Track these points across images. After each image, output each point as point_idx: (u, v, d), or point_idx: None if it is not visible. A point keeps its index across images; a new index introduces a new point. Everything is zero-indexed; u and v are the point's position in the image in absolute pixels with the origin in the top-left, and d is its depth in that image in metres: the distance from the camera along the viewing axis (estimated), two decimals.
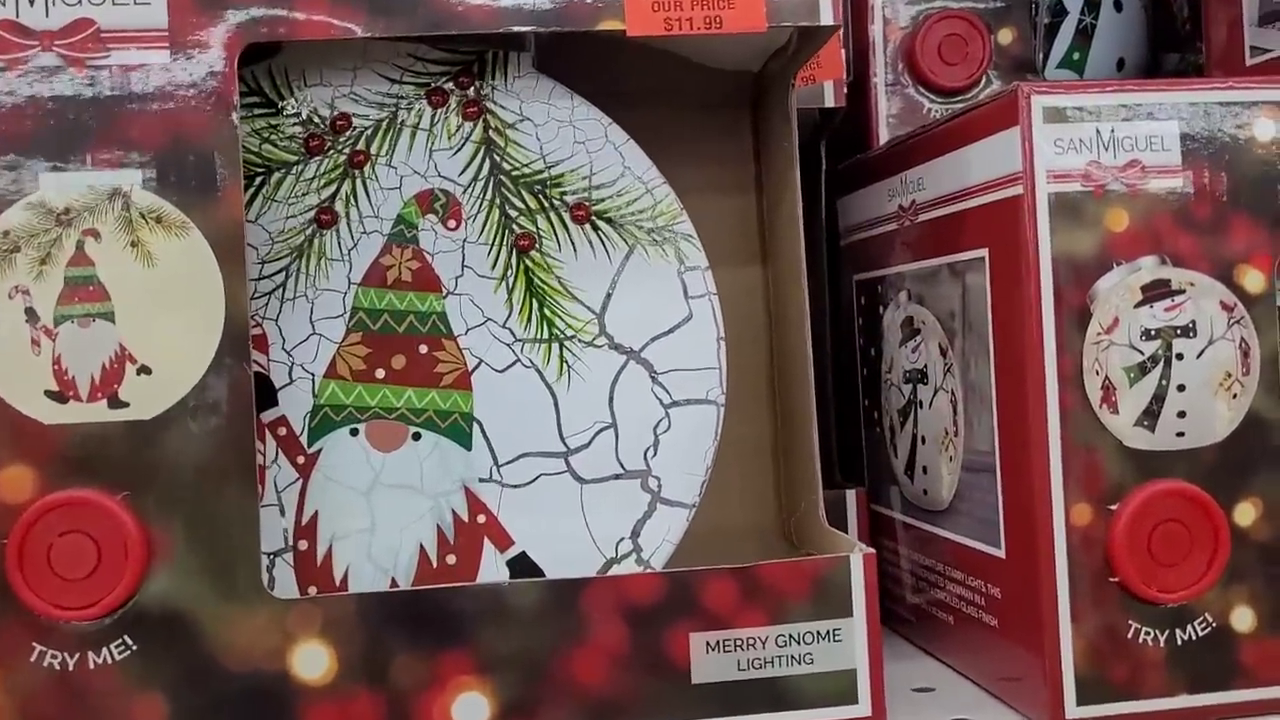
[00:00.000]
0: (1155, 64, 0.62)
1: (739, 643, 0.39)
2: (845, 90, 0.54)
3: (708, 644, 0.38)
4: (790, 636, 0.39)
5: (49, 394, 0.36)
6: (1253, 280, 0.40)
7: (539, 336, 0.42)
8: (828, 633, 0.39)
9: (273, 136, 0.41)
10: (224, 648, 0.36)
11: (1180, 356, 0.39)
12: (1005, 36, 0.59)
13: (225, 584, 0.36)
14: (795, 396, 0.47)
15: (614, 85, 0.45)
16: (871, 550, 0.40)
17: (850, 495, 0.53)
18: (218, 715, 0.36)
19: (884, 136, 0.59)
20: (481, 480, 0.41)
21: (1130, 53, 0.61)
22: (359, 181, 0.42)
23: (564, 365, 0.42)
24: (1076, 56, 0.61)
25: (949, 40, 0.58)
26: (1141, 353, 0.39)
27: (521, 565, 0.41)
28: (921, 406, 0.48)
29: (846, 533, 0.51)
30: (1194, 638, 0.39)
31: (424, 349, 0.41)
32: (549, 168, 0.42)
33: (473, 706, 0.37)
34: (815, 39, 0.43)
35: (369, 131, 0.42)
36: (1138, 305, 0.39)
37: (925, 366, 0.47)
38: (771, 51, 0.47)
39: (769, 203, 0.50)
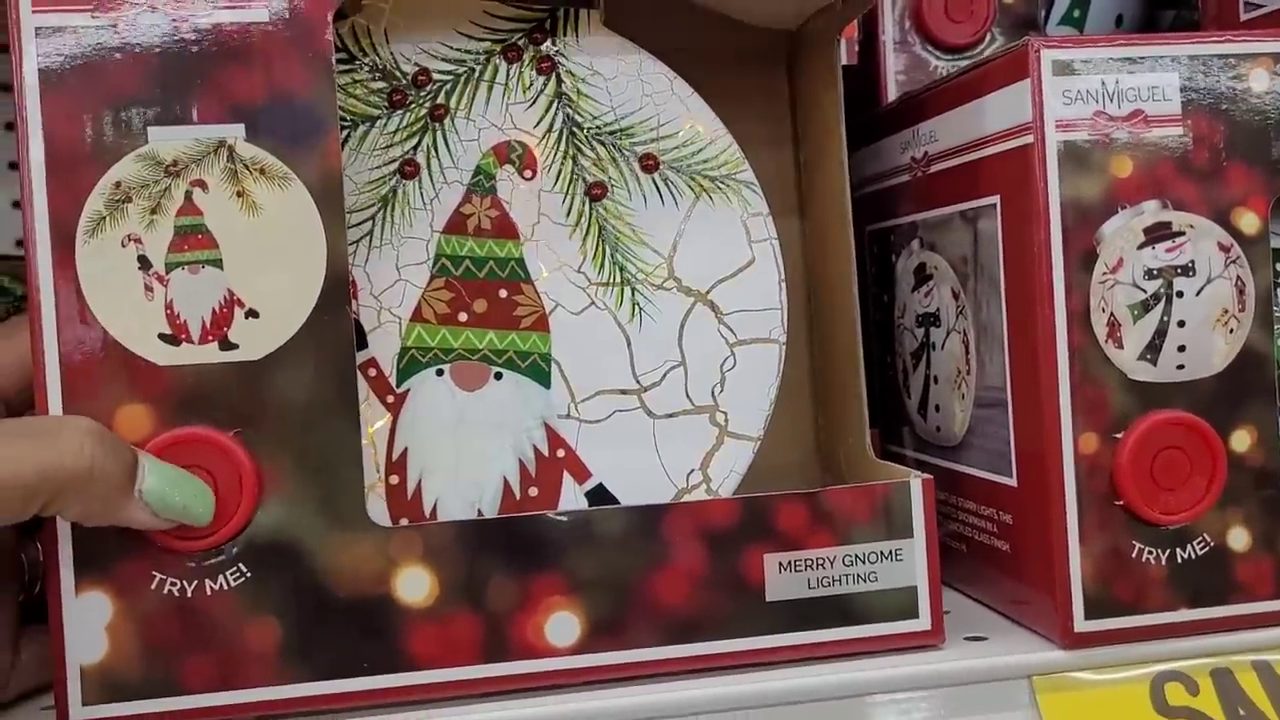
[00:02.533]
0: (1152, 20, 0.64)
1: (809, 563, 0.41)
2: (857, 49, 0.56)
3: (780, 564, 0.40)
4: (856, 556, 0.41)
5: (162, 337, 0.37)
6: (1248, 222, 0.42)
7: (612, 280, 0.43)
8: (891, 552, 0.41)
9: (356, 91, 0.42)
10: (332, 573, 0.38)
11: (1180, 294, 0.41)
12: None
13: (331, 514, 0.38)
14: (840, 339, 0.49)
15: (665, 43, 0.46)
16: (930, 476, 0.42)
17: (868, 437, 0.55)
18: (327, 637, 0.38)
19: (892, 92, 0.60)
20: (560, 416, 0.43)
21: (1128, 9, 0.63)
22: (439, 134, 0.43)
23: (635, 307, 0.43)
24: (1077, 14, 0.62)
25: (957, 2, 0.59)
26: (1145, 291, 0.41)
27: (599, 496, 0.43)
28: (934, 348, 0.50)
29: None
30: (1193, 556, 0.41)
31: (504, 293, 0.43)
32: (619, 120, 0.43)
33: (564, 625, 0.39)
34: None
35: (448, 86, 0.43)
36: (1141, 246, 0.41)
37: (938, 310, 0.49)
38: (813, 11, 0.49)
39: (809, 156, 0.51)
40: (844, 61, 0.56)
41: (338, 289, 0.38)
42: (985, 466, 0.46)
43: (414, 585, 0.38)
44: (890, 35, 0.60)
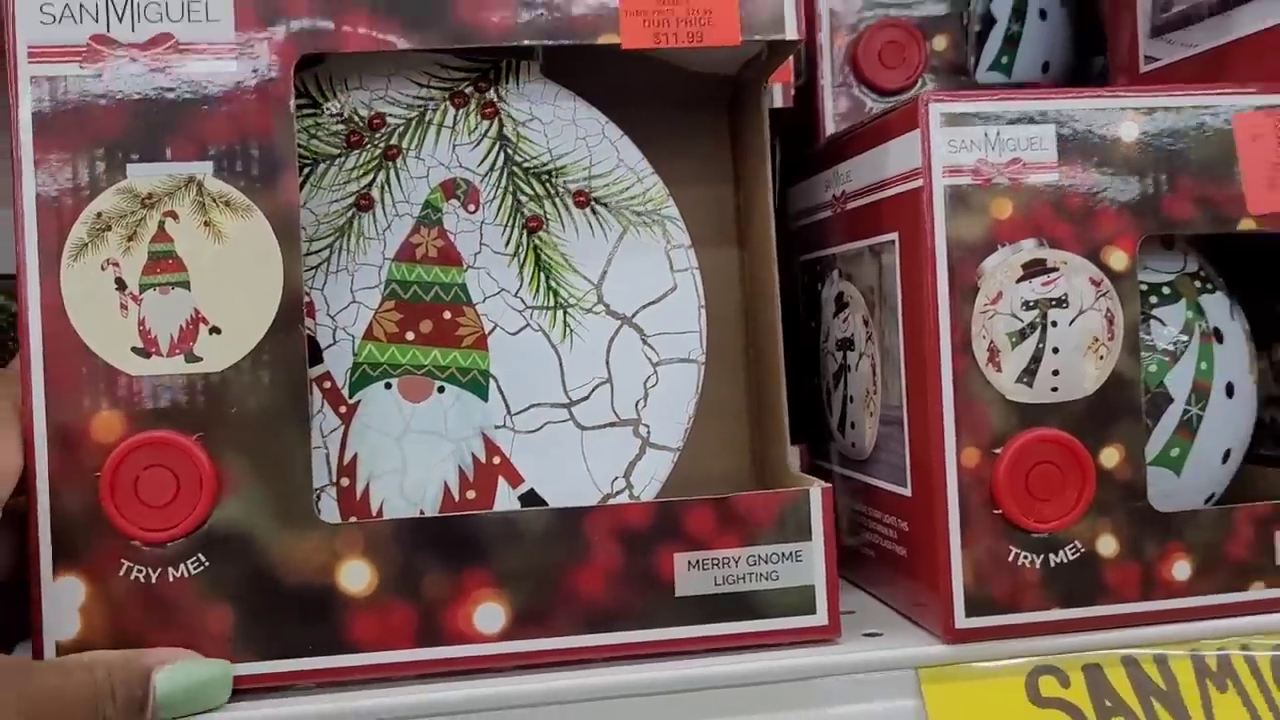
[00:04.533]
0: (1081, 67, 0.68)
1: (715, 562, 0.45)
2: (794, 92, 0.60)
3: (689, 563, 0.44)
4: (759, 557, 0.45)
5: (135, 350, 0.41)
6: (1117, 260, 0.45)
7: (546, 304, 0.47)
8: (791, 554, 0.45)
9: (319, 133, 0.47)
10: (281, 564, 0.42)
11: (1055, 324, 0.45)
12: (940, 43, 0.64)
13: (283, 511, 0.42)
14: (768, 363, 0.53)
15: (610, 87, 0.50)
16: (829, 485, 0.46)
17: (795, 453, 0.59)
18: (276, 621, 0.42)
19: (830, 132, 0.64)
20: (496, 427, 0.47)
21: (1055, 57, 0.67)
22: (392, 171, 0.47)
23: (567, 329, 0.48)
24: (1005, 60, 0.66)
25: (889, 46, 0.63)
26: (1022, 320, 0.45)
27: (531, 500, 0.47)
28: (850, 370, 0.54)
29: None
30: (1065, 561, 0.45)
31: (447, 315, 0.47)
32: (554, 159, 0.48)
33: (491, 614, 0.43)
34: (783, 50, 0.48)
35: (401, 128, 0.47)
36: (1019, 281, 0.45)
37: (852, 335, 0.53)
38: (746, 60, 0.53)
39: (745, 192, 0.55)
40: (780, 104, 0.61)
41: (292, 309, 0.42)
42: (888, 479, 0.50)
43: (355, 576, 0.42)
44: (829, 79, 0.64)
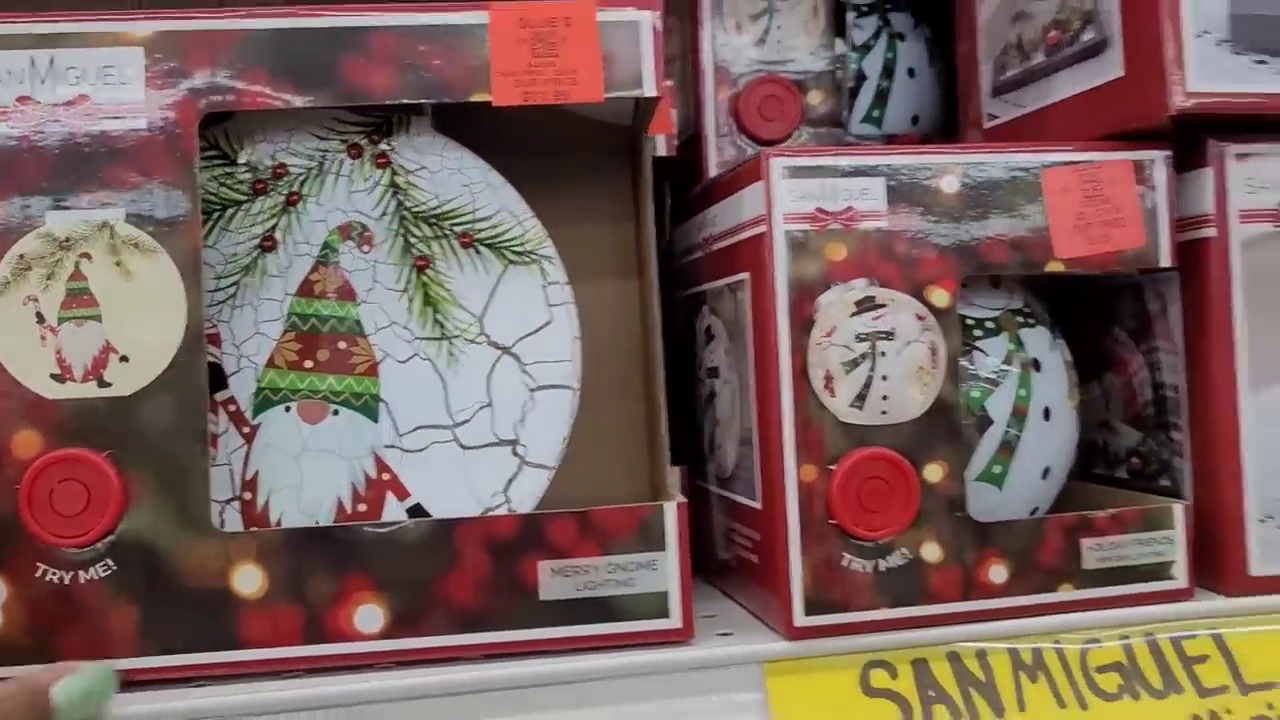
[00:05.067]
0: (949, 120, 0.74)
1: (577, 569, 0.49)
2: (678, 142, 0.65)
3: (552, 570, 0.49)
4: (617, 565, 0.50)
5: (52, 376, 0.46)
6: (939, 297, 0.51)
7: (433, 335, 0.52)
8: (647, 562, 0.50)
9: (227, 181, 0.52)
10: (181, 569, 0.47)
11: (884, 354, 0.50)
12: (814, 98, 0.70)
13: (183, 520, 0.47)
14: (651, 390, 0.58)
15: (520, 136, 0.55)
16: (684, 500, 0.51)
17: (675, 473, 0.63)
18: (176, 620, 0.47)
19: None
20: (386, 446, 0.52)
21: (925, 111, 0.72)
22: (294, 216, 0.52)
23: (452, 357, 0.52)
24: (876, 114, 0.72)
25: (767, 100, 0.69)
26: (854, 351, 0.50)
27: (416, 513, 0.51)
28: (716, 397, 0.59)
29: None
30: (894, 566, 0.50)
31: (343, 345, 0.52)
32: (441, 205, 0.53)
33: (371, 615, 0.48)
34: (648, 106, 0.54)
35: (302, 177, 0.52)
36: (852, 316, 0.50)
37: (718, 364, 0.58)
38: (627, 112, 0.58)
39: (639, 231, 0.61)
40: (664, 153, 0.66)
41: (194, 340, 0.47)
42: (745, 494, 0.55)
43: (248, 580, 0.47)
44: (713, 130, 0.70)
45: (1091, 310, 0.62)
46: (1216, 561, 0.54)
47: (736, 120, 0.70)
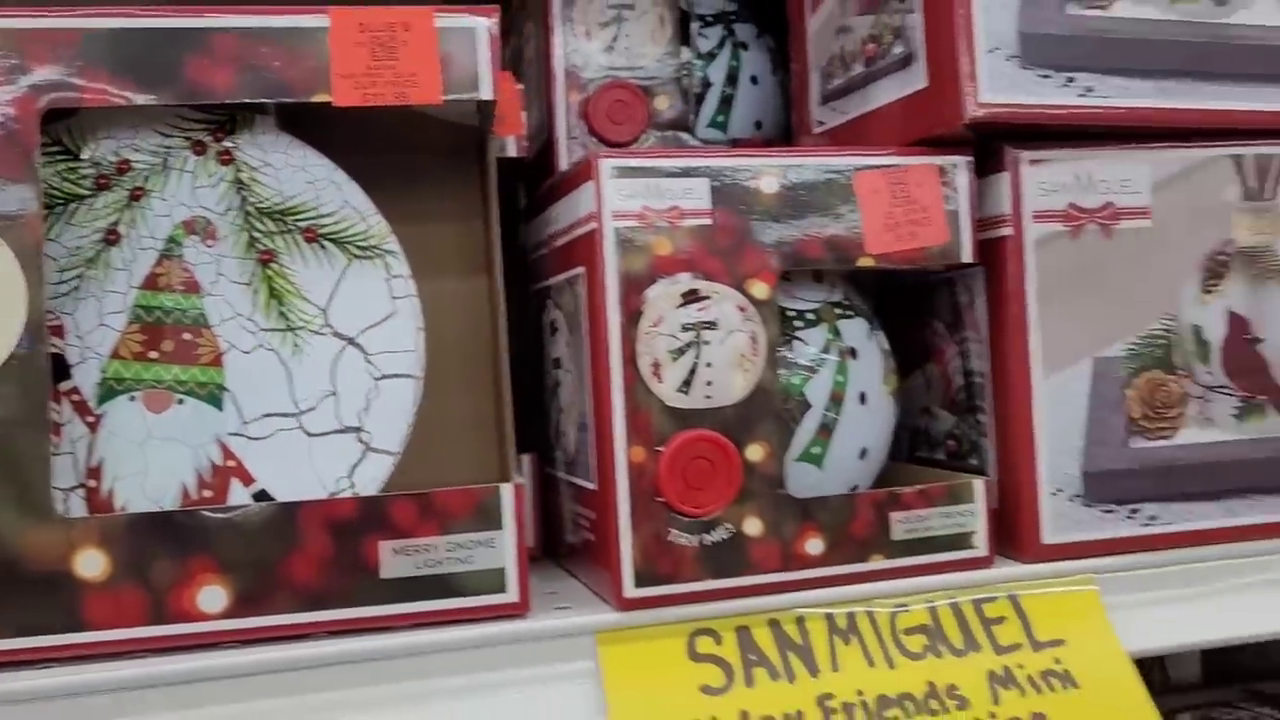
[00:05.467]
0: (790, 125, 0.78)
1: (417, 548, 0.52)
2: (528, 144, 0.68)
3: (393, 549, 0.51)
4: (456, 544, 0.52)
5: None
6: (760, 290, 0.55)
7: (277, 327, 0.54)
8: (485, 540, 0.52)
9: (70, 176, 0.52)
10: (24, 553, 0.47)
11: (708, 343, 0.54)
12: (661, 103, 0.73)
13: (25, 506, 0.47)
14: (499, 381, 0.60)
15: (376, 138, 0.57)
16: (521, 482, 0.53)
17: (526, 460, 0.66)
18: (20, 604, 0.47)
19: None
20: (231, 434, 0.53)
21: (767, 116, 0.76)
22: (138, 211, 0.53)
23: (297, 348, 0.54)
24: (721, 119, 0.75)
25: (615, 104, 0.72)
26: (680, 340, 0.53)
27: (261, 498, 0.53)
28: (560, 386, 0.62)
29: None
30: (718, 540, 0.54)
31: (187, 336, 0.53)
32: (285, 200, 0.54)
33: (214, 596, 0.49)
34: (487, 108, 0.56)
35: (147, 173, 0.53)
36: (677, 307, 0.53)
37: (560, 356, 0.61)
38: (475, 113, 0.61)
39: (488, 229, 0.63)
40: (514, 154, 0.69)
41: (36, 331, 0.48)
42: (585, 477, 0.58)
43: (91, 564, 0.48)
44: (564, 132, 0.72)
45: (914, 304, 0.66)
46: (1014, 531, 0.59)
47: (586, 123, 0.73)
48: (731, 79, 0.76)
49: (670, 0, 0.74)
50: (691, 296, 0.54)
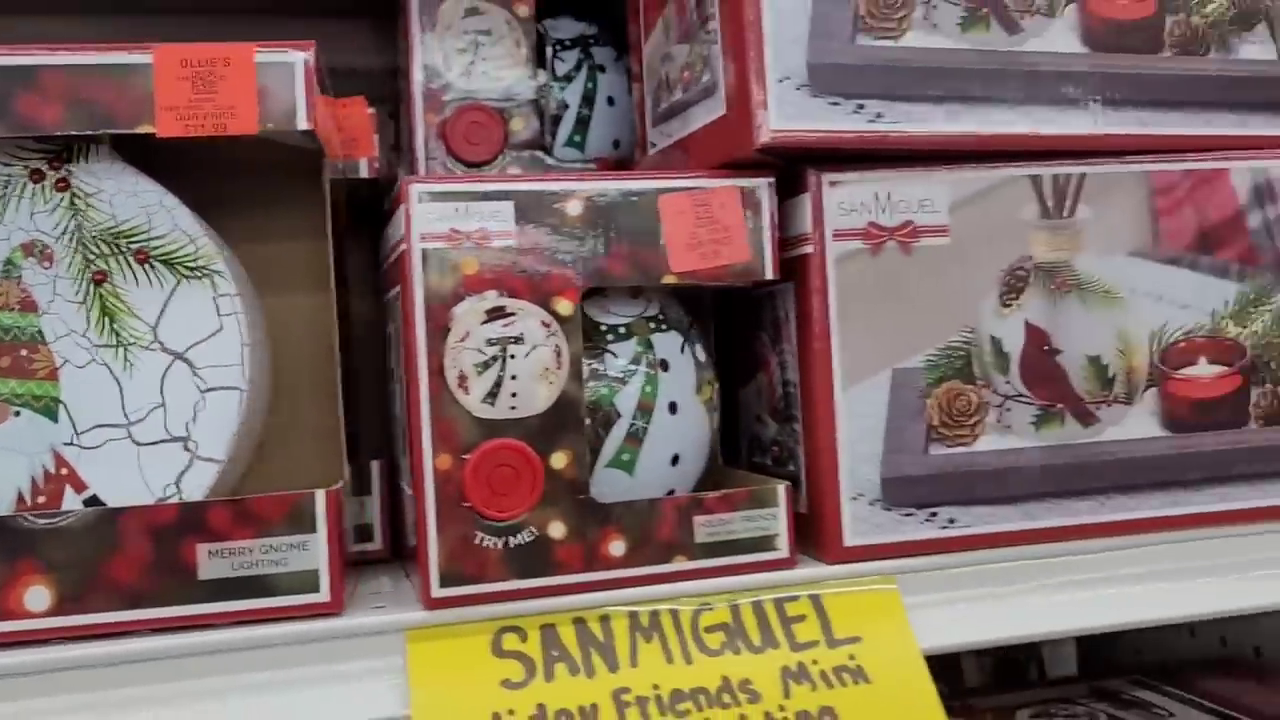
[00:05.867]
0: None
1: (233, 550, 0.55)
2: (378, 165, 0.71)
3: (210, 551, 0.55)
4: (271, 546, 0.56)
5: None
6: (564, 307, 0.58)
7: (110, 343, 0.57)
8: (298, 543, 0.56)
9: None
10: None
11: (513, 357, 0.57)
12: (518, 124, 0.76)
13: None
14: (333, 392, 0.64)
15: (227, 164, 0.61)
16: (335, 488, 0.57)
17: (374, 466, 0.70)
18: None
19: None
20: (65, 444, 0.56)
21: (625, 136, 0.79)
22: None
23: (128, 363, 0.57)
24: (578, 139, 0.79)
25: (472, 126, 0.75)
26: (485, 354, 0.57)
27: (93, 504, 0.57)
28: (394, 396, 0.65)
29: (371, 495, 0.69)
30: (523, 543, 0.57)
31: (24, 352, 0.56)
32: (118, 225, 0.58)
33: (39, 595, 0.53)
34: (310, 137, 0.59)
35: None
36: (483, 323, 0.57)
37: (394, 366, 0.64)
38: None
39: (327, 247, 0.66)
40: (367, 175, 0.72)
41: None
42: (408, 484, 0.61)
43: None
44: (423, 152, 0.76)
45: (747, 316, 0.70)
46: (819, 534, 0.62)
47: (445, 144, 0.76)
48: (588, 100, 0.79)
49: (527, 26, 0.77)
50: (497, 313, 0.57)
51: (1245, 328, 0.66)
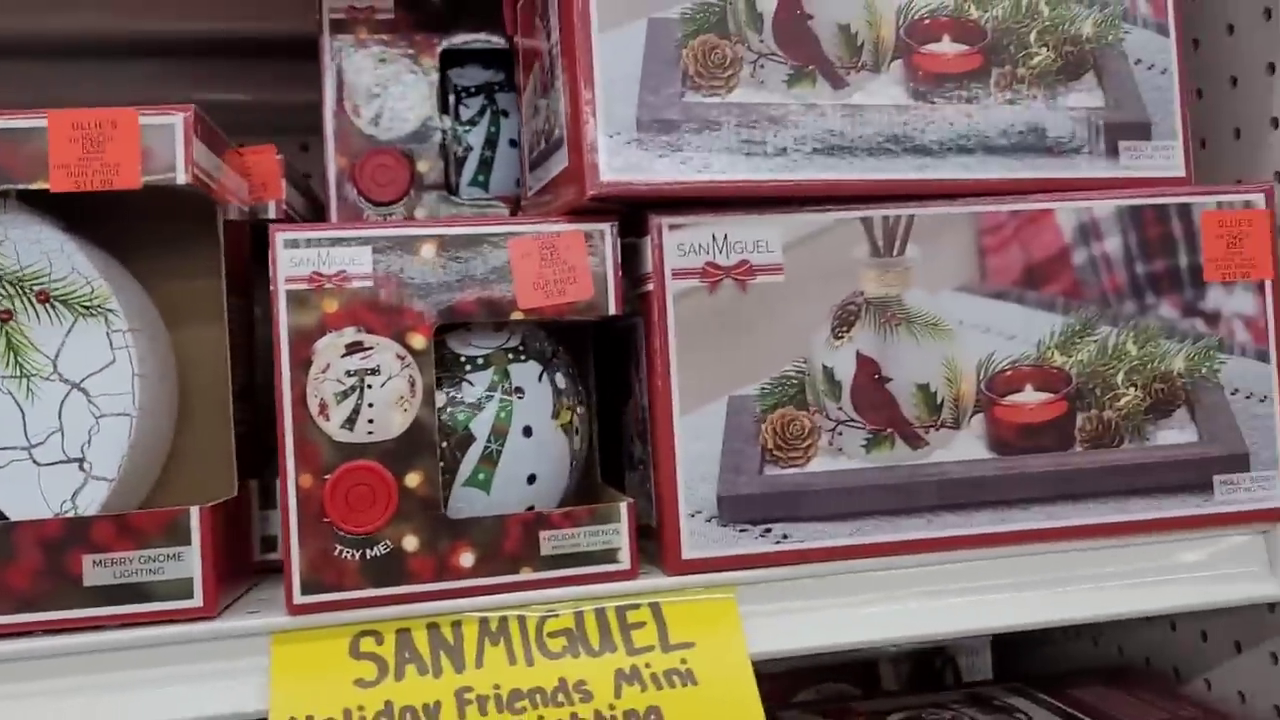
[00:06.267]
0: None
1: (114, 560, 0.61)
2: (285, 207, 0.78)
3: (94, 561, 0.61)
4: (149, 557, 0.62)
5: None
6: (417, 341, 0.64)
7: (14, 374, 0.64)
8: (174, 554, 0.62)
9: None
10: None
11: (370, 387, 0.63)
12: (424, 166, 0.83)
13: None
14: (226, 417, 0.70)
15: (138, 208, 0.68)
16: (210, 505, 0.63)
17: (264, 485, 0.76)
18: None
19: None
20: None
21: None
22: None
23: (30, 392, 0.64)
24: (482, 179, 0.85)
25: (379, 168, 0.82)
26: (345, 385, 0.63)
27: None
28: None
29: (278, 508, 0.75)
30: (378, 554, 0.63)
31: None
32: (22, 269, 0.64)
33: None
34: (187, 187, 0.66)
35: None
36: (343, 356, 0.63)
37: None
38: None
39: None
40: (275, 216, 0.79)
41: None
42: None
43: None
44: (334, 192, 0.82)
45: (621, 348, 0.75)
46: (661, 547, 0.67)
47: (355, 185, 0.82)
48: (490, 143, 0.85)
49: (432, 75, 0.84)
50: (355, 347, 0.63)
51: (1071, 357, 0.70)
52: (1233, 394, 0.72)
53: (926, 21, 0.69)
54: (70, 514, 0.64)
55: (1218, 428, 0.71)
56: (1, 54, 1.02)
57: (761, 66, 0.66)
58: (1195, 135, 0.85)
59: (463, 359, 0.67)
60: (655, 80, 0.64)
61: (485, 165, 0.85)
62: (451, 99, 0.85)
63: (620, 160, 0.63)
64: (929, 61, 0.68)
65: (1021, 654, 1.11)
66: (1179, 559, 0.72)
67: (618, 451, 0.78)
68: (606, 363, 0.77)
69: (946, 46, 0.69)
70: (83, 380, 0.65)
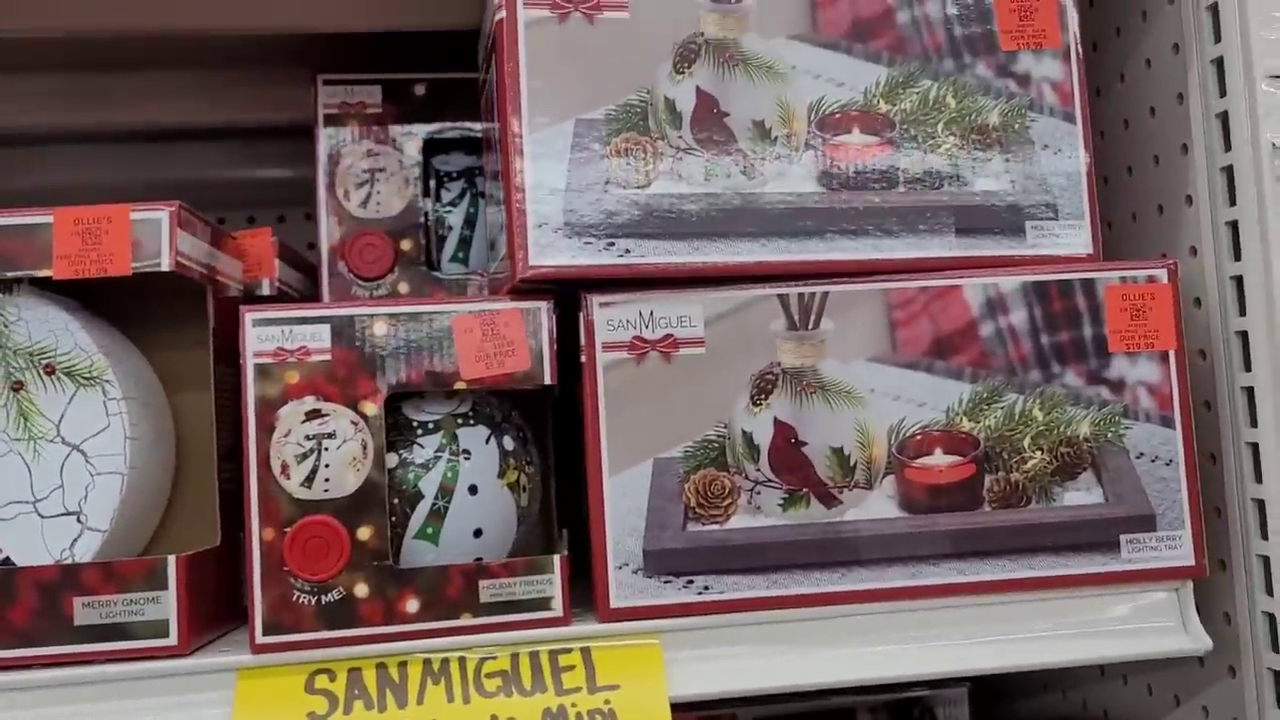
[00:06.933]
0: None
1: (102, 603, 0.69)
2: (278, 284, 0.86)
3: (84, 603, 0.69)
4: (131, 599, 0.70)
5: None
6: (370, 409, 0.71)
7: (23, 437, 0.73)
8: (152, 598, 0.70)
9: None
10: None
11: (327, 449, 0.70)
12: (406, 244, 0.91)
13: None
14: (213, 474, 0.78)
15: (141, 289, 0.77)
16: (186, 554, 0.70)
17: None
18: None
19: None
20: None
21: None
22: None
23: (36, 452, 0.73)
24: (461, 255, 0.93)
25: (366, 247, 0.90)
26: (304, 448, 0.70)
27: (6, 564, 0.72)
28: None
29: None
30: (333, 600, 0.70)
31: None
32: (33, 345, 0.73)
33: None
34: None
35: None
36: (303, 422, 0.70)
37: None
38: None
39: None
40: (269, 293, 0.87)
41: None
42: None
43: None
44: (326, 267, 0.91)
45: (573, 412, 0.82)
46: (594, 596, 0.73)
47: (345, 262, 0.91)
48: (469, 223, 0.93)
49: (415, 164, 0.92)
50: (314, 414, 0.71)
51: (979, 422, 0.75)
52: (1138, 458, 0.76)
53: (837, 116, 0.75)
54: (68, 561, 0.72)
55: (1124, 490, 0.75)
56: (52, 139, 1.14)
57: (680, 160, 0.72)
58: (1125, 210, 0.90)
59: (414, 424, 0.74)
60: (580, 178, 0.71)
61: (464, 243, 0.93)
62: (433, 183, 0.94)
63: (548, 249, 0.70)
64: (839, 152, 0.75)
65: (999, 706, 1.14)
66: (1091, 615, 0.76)
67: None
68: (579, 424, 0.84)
69: (857, 138, 0.75)
70: (81, 443, 0.73)
